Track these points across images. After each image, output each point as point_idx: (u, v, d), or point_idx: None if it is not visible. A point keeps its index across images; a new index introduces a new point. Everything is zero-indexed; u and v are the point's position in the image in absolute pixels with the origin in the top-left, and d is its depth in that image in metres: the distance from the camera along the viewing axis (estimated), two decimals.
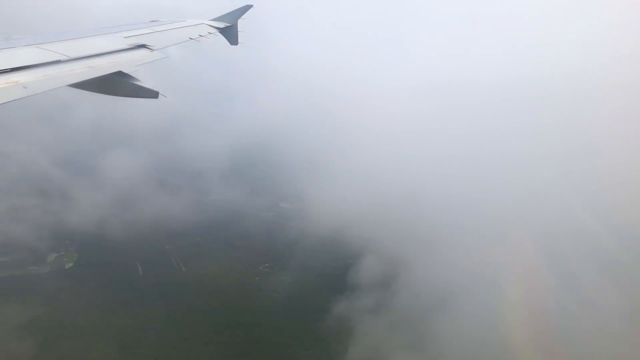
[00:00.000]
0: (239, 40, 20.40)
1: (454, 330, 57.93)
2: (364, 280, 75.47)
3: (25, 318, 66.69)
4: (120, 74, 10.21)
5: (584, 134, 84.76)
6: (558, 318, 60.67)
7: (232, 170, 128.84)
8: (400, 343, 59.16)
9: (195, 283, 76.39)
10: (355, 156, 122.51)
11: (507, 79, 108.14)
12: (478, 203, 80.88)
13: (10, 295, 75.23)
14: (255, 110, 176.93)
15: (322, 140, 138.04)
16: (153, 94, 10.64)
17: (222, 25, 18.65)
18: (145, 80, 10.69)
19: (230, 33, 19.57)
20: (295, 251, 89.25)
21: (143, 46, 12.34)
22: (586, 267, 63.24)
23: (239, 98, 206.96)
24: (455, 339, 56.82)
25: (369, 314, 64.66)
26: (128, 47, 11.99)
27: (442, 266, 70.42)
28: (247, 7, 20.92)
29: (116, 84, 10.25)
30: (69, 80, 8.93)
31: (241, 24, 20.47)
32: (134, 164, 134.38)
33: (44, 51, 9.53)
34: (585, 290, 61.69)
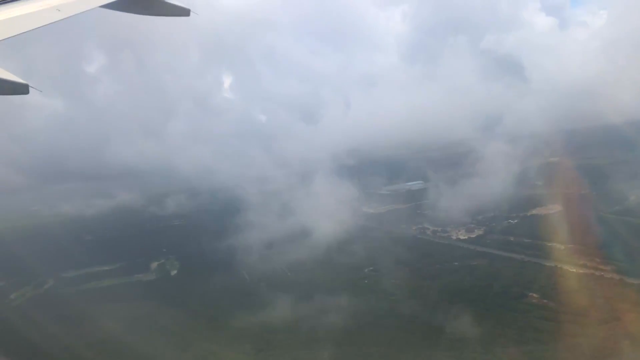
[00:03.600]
0: None
1: None
2: (475, 282, 74.41)
3: (153, 322, 68.97)
4: None
5: None
6: None
7: (309, 178, 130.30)
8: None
9: (307, 287, 76.95)
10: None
11: None
12: None
13: (130, 301, 77.91)
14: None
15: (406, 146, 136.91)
16: (184, 12, 10.50)
17: None
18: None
19: None
20: (395, 254, 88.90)
21: None
22: None
23: (330, 106, 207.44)
24: None
25: (495, 318, 63.30)
26: None
27: None
28: None
29: (147, 3, 10.14)
30: (101, 1, 8.84)
31: None
32: (224, 172, 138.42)
33: None
34: None
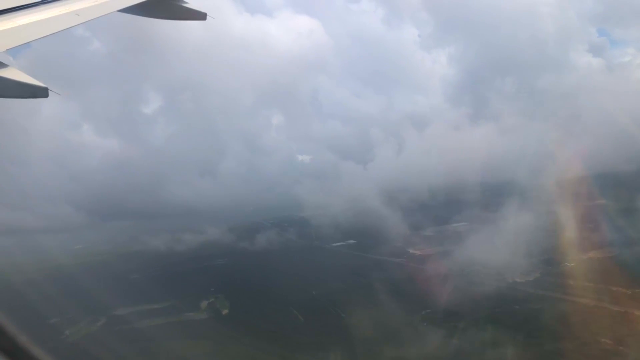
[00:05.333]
0: None
1: None
2: (541, 326, 71.87)
3: None
4: None
5: None
6: None
7: (353, 218, 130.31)
8: None
9: (366, 330, 75.37)
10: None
11: None
12: None
13: (186, 340, 77.44)
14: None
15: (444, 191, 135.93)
16: (201, 16, 10.55)
17: None
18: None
19: None
20: (449, 296, 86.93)
21: None
22: None
23: (380, 147, 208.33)
24: None
25: None
26: None
27: None
28: None
29: (165, 7, 10.25)
30: (119, 5, 8.90)
31: None
32: (268, 213, 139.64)
33: None
34: None
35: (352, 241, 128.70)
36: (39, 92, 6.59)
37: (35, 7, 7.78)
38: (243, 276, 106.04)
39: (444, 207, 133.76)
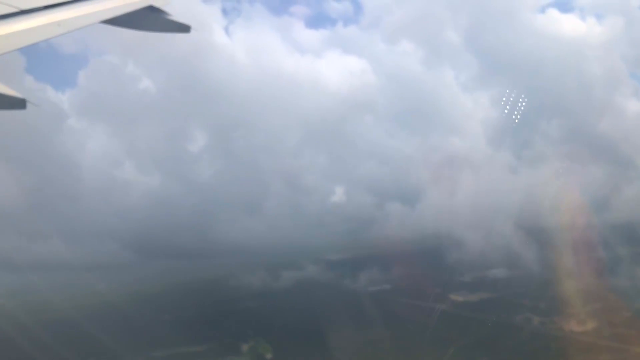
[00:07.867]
0: None
1: None
2: None
3: None
4: (151, 8, 10.20)
5: None
6: None
7: (389, 262, 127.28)
8: None
9: None
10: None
11: None
12: None
13: None
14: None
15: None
16: (184, 29, 10.57)
17: None
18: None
19: None
20: (506, 346, 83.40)
21: None
22: None
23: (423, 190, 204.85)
24: None
25: None
26: None
27: None
28: None
29: (148, 19, 10.24)
30: (101, 16, 8.87)
31: None
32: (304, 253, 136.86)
33: None
34: None
35: (387, 286, 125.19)
36: (17, 104, 6.50)
37: (15, 17, 7.62)
38: (280, 319, 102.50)
39: (482, 252, 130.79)
